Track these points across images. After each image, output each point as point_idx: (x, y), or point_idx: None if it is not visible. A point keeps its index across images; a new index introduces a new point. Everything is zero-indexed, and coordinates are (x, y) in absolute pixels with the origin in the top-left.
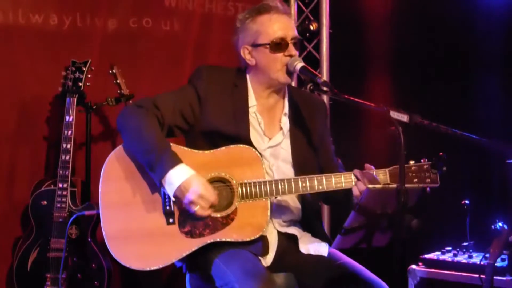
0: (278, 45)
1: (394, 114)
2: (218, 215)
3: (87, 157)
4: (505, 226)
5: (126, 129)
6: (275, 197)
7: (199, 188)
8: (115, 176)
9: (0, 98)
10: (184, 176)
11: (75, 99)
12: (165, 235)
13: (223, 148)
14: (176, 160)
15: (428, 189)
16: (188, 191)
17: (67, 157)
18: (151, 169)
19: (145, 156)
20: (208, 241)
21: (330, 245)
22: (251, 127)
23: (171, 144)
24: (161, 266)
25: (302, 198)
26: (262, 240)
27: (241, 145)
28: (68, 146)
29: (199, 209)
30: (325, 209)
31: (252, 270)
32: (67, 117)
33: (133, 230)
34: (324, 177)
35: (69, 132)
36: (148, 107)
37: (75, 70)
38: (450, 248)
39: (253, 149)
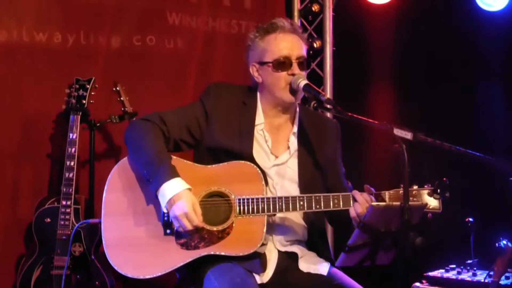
0: (282, 64)
1: (398, 132)
2: (214, 228)
3: (90, 175)
4: (510, 244)
5: (130, 140)
6: (274, 214)
7: (186, 206)
8: (119, 186)
9: (4, 115)
10: (177, 190)
11: (79, 117)
12: (162, 245)
13: (225, 163)
14: (172, 174)
15: (429, 215)
16: (176, 206)
17: (71, 175)
18: (149, 180)
19: (144, 167)
20: (203, 254)
21: (332, 265)
22: (257, 145)
23: (174, 157)
24: (155, 276)
25: (308, 218)
26: (260, 257)
27: (242, 161)
28: (72, 163)
29: (180, 228)
30: (329, 227)
31: (241, 285)
32: (71, 135)
33: (131, 239)
34: (322, 196)
35: (73, 149)
36: (155, 121)
37: (78, 87)
38: (454, 266)
39: (254, 166)
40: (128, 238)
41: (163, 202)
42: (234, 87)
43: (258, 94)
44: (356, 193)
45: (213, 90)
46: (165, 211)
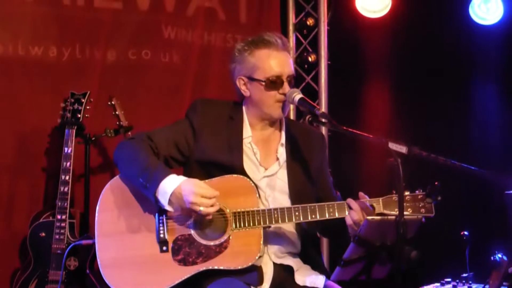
0: (274, 83)
1: (393, 146)
2: (212, 243)
3: (85, 189)
4: (505, 258)
5: (121, 158)
6: (269, 226)
7: (194, 188)
8: (111, 206)
9: None
10: (176, 183)
11: (74, 131)
12: (159, 263)
13: (218, 177)
14: (167, 172)
15: (423, 219)
16: (185, 195)
17: (66, 189)
18: (145, 188)
19: (139, 176)
20: (201, 269)
21: (328, 278)
22: (246, 157)
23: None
24: None
25: (301, 230)
26: (257, 270)
27: (235, 175)
28: (67, 177)
29: (204, 209)
30: (324, 241)
31: None
32: (66, 149)
33: (127, 258)
34: (317, 206)
35: (68, 163)
36: (142, 138)
37: (74, 101)
38: (449, 280)
39: (248, 179)
40: (124, 258)
41: (164, 199)
42: (220, 102)
43: (244, 107)
44: (351, 201)
45: (200, 107)
46: (169, 209)
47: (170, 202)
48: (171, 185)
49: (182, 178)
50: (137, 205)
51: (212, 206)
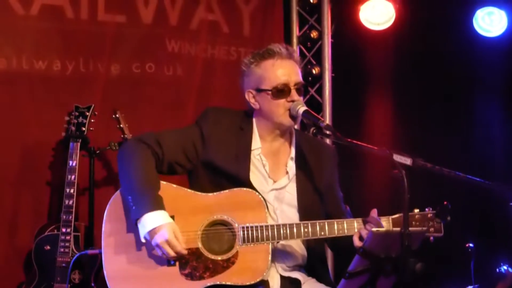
0: (281, 92)
1: (397, 157)
2: (219, 258)
3: (90, 202)
4: (510, 269)
5: (121, 163)
6: (277, 242)
7: (167, 234)
8: (118, 217)
9: (4, 143)
10: (159, 222)
11: (79, 144)
12: (166, 276)
13: (227, 191)
14: (156, 205)
15: (431, 238)
16: (157, 234)
17: (71, 202)
18: (131, 207)
19: (129, 193)
20: (208, 284)
21: None
22: (255, 169)
23: (174, 185)
24: None
25: (308, 243)
26: (264, 285)
27: (245, 189)
28: (72, 190)
29: (163, 256)
30: (329, 252)
31: None
32: (71, 162)
33: (134, 271)
34: (326, 223)
35: (73, 176)
36: (149, 142)
37: (78, 115)
38: None
39: (257, 193)
40: (131, 271)
41: (142, 231)
42: (231, 112)
43: (254, 119)
44: (361, 219)
45: (211, 114)
46: (143, 240)
47: (144, 237)
48: (152, 222)
49: (164, 219)
50: None
51: (170, 256)
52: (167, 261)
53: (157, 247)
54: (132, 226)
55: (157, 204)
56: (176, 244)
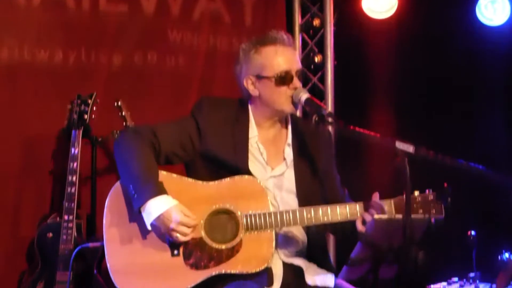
0: (283, 79)
1: (400, 145)
2: (223, 246)
3: (92, 190)
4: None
5: (118, 153)
6: (280, 229)
7: (180, 217)
8: (119, 209)
9: (6, 133)
10: (165, 207)
11: (81, 132)
12: (170, 267)
13: (228, 179)
14: (159, 191)
15: (432, 220)
16: (170, 221)
17: (73, 190)
18: (133, 195)
19: (130, 181)
20: (213, 273)
21: (336, 276)
22: (252, 158)
23: (174, 175)
24: None
25: (308, 229)
26: (267, 272)
27: (246, 177)
28: (74, 178)
29: (181, 237)
30: (331, 240)
31: None
32: (73, 150)
33: (138, 263)
34: (329, 208)
35: (75, 164)
36: (145, 134)
37: (80, 103)
38: (456, 279)
39: (258, 181)
40: (135, 263)
41: (148, 219)
42: (226, 101)
43: (251, 107)
44: (362, 203)
45: (205, 105)
46: (149, 228)
47: (151, 224)
48: (159, 208)
49: (170, 203)
50: None
51: (188, 234)
52: (171, 252)
53: (172, 231)
54: (134, 217)
55: (159, 189)
56: (189, 221)
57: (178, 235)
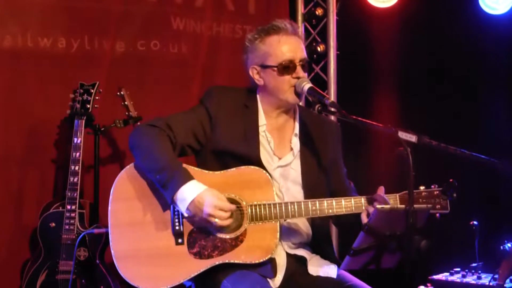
0: (286, 68)
1: (403, 135)
2: (228, 236)
3: (95, 180)
4: None
5: (138, 147)
6: (285, 220)
7: (213, 200)
8: (125, 195)
9: (9, 121)
10: (197, 191)
11: (83, 121)
12: (174, 255)
13: (234, 169)
14: (187, 177)
15: (437, 215)
16: (204, 205)
17: (76, 179)
18: (163, 187)
19: (157, 174)
20: (217, 262)
21: (339, 266)
22: (261, 147)
23: (183, 164)
24: (169, 287)
25: (312, 220)
26: (271, 262)
27: (252, 167)
28: (77, 168)
29: (219, 221)
30: (334, 229)
31: None
32: (75, 139)
33: (142, 250)
34: (334, 200)
35: (78, 154)
36: (161, 127)
37: (83, 92)
38: (458, 269)
39: (264, 171)
40: (139, 250)
41: (183, 206)
42: (234, 90)
43: (258, 96)
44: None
45: (215, 94)
46: (186, 215)
47: (187, 209)
48: (191, 192)
49: (202, 187)
50: (152, 196)
51: (227, 219)
52: (175, 240)
53: (210, 216)
54: (141, 205)
55: (188, 176)
56: (225, 205)
57: (216, 220)
